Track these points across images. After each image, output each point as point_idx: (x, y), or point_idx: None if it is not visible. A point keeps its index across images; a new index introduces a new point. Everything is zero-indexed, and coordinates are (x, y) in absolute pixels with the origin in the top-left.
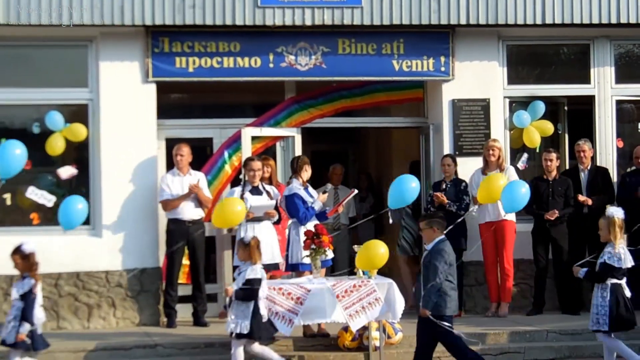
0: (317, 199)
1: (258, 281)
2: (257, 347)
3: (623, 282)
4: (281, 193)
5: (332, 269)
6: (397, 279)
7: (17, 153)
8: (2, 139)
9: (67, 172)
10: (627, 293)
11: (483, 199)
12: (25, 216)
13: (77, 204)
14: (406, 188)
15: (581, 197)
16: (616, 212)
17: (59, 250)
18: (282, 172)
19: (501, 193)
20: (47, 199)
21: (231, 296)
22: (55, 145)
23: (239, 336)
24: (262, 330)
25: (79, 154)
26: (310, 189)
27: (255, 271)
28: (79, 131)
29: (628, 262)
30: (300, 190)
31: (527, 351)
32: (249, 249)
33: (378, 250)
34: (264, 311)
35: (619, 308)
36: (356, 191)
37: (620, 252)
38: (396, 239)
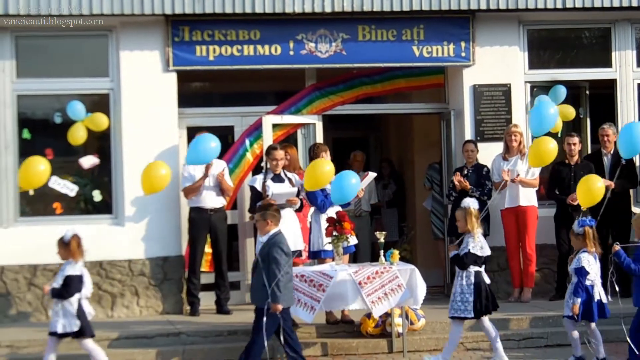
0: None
1: (78, 278)
2: (90, 344)
3: (483, 269)
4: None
5: (355, 256)
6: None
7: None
8: (24, 130)
9: (89, 161)
10: (487, 280)
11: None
12: (48, 206)
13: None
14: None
15: (604, 181)
16: (472, 203)
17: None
18: (303, 160)
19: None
20: (69, 188)
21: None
22: (77, 135)
23: (65, 335)
24: (89, 327)
25: (101, 143)
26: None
27: (75, 268)
28: (100, 121)
29: (487, 250)
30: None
31: (550, 336)
32: (69, 248)
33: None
34: (88, 308)
35: (482, 295)
36: (371, 174)
37: (481, 240)
38: (418, 225)
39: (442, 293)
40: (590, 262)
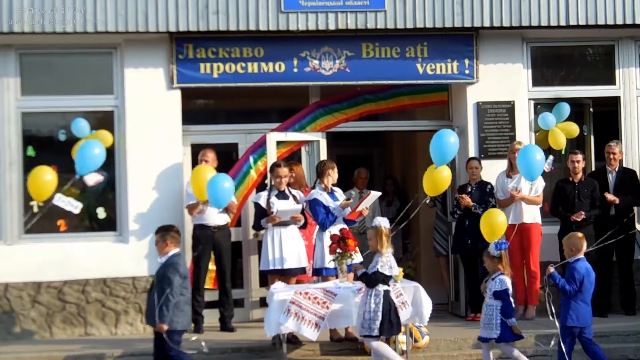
0: (338, 204)
1: None
2: None
3: (391, 288)
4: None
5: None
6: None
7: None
8: (29, 147)
9: (93, 178)
10: (396, 300)
11: None
12: (53, 223)
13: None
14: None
15: (609, 196)
16: (383, 222)
17: (85, 257)
18: (308, 177)
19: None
20: (73, 205)
21: None
22: None
23: None
24: None
25: (105, 160)
26: (339, 193)
27: None
28: (104, 138)
29: (396, 270)
30: (321, 195)
31: (555, 354)
32: None
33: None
34: None
35: (390, 313)
36: (375, 193)
37: (390, 260)
38: (422, 242)
39: (446, 310)
40: (509, 283)
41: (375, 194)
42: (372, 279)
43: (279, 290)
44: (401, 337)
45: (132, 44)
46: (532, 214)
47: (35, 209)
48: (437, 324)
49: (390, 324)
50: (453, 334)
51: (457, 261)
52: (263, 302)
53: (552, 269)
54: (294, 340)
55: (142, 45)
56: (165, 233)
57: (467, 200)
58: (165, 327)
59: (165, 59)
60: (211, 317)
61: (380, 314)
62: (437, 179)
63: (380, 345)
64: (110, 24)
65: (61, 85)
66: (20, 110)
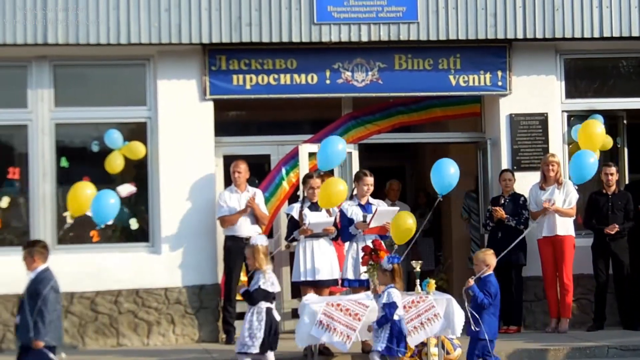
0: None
1: None
2: None
3: (274, 305)
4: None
5: None
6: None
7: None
8: (62, 158)
9: (126, 190)
10: (277, 317)
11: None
12: (86, 234)
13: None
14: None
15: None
16: (259, 240)
17: (118, 267)
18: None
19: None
20: None
21: None
22: (115, 163)
23: None
24: None
25: (138, 171)
26: (375, 205)
27: None
28: (137, 149)
29: (277, 287)
30: (350, 207)
31: None
32: None
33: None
34: None
35: (271, 331)
36: (381, 209)
37: (272, 277)
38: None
39: None
40: (399, 297)
41: (387, 210)
42: (254, 297)
43: (311, 302)
44: (433, 350)
45: (165, 55)
46: (565, 226)
47: (69, 220)
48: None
49: (269, 342)
50: None
51: None
52: (295, 314)
53: (472, 282)
54: (325, 352)
55: (175, 56)
56: (32, 249)
57: (500, 212)
58: (41, 343)
59: (198, 71)
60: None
61: (262, 332)
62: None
63: None
64: (144, 36)
65: (94, 97)
66: (54, 121)
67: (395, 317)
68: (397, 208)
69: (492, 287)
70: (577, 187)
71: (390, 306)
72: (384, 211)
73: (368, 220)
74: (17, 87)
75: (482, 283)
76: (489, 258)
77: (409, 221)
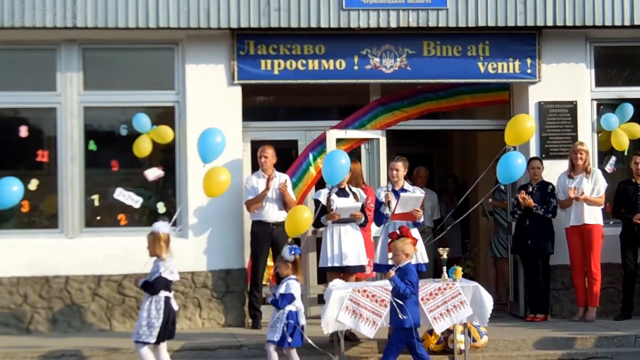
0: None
1: None
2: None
3: (172, 294)
4: (368, 195)
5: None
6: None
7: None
8: (90, 141)
9: (153, 173)
10: (175, 306)
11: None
12: (113, 217)
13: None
14: None
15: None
16: (161, 228)
17: (145, 251)
18: (367, 175)
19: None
20: (134, 200)
21: None
22: (142, 147)
23: None
24: None
25: (166, 155)
26: (410, 190)
27: None
28: (165, 133)
29: (176, 275)
30: (383, 192)
31: (615, 356)
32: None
33: (302, 216)
34: None
35: (169, 320)
36: (404, 195)
37: (171, 264)
38: (481, 242)
39: (505, 310)
40: (298, 288)
41: (409, 196)
42: (155, 286)
43: (338, 288)
44: (459, 337)
45: (194, 40)
46: (593, 215)
47: (96, 203)
48: (496, 324)
49: (166, 331)
50: (512, 335)
51: (516, 261)
52: (321, 299)
53: (392, 273)
54: (351, 338)
55: (204, 41)
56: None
57: (528, 200)
58: None
59: (226, 55)
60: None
61: (160, 321)
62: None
63: (148, 354)
64: (173, 20)
65: (123, 80)
66: (82, 104)
67: (292, 309)
68: (422, 195)
69: (413, 276)
70: (613, 167)
71: (285, 297)
72: (407, 197)
73: (392, 206)
74: (46, 71)
75: (403, 272)
76: (408, 247)
77: (305, 215)
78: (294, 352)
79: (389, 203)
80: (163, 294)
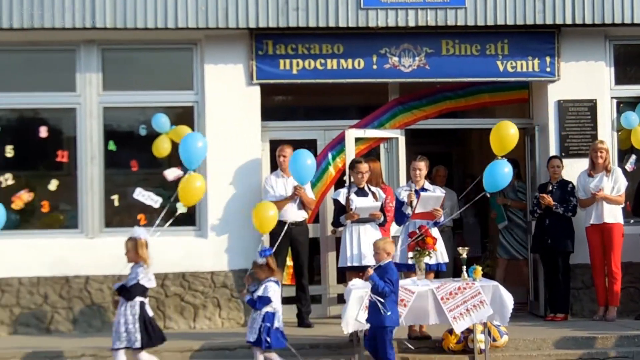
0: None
1: None
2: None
3: (147, 300)
4: (387, 195)
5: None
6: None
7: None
8: (110, 141)
9: (173, 173)
10: (150, 312)
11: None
12: (133, 217)
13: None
14: None
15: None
16: (141, 233)
17: (165, 251)
18: (386, 174)
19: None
20: (153, 200)
21: None
22: (162, 147)
23: None
24: None
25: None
26: (431, 189)
27: None
28: (184, 133)
29: (153, 282)
30: (403, 191)
31: (636, 356)
32: None
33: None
34: None
35: (148, 325)
36: (425, 195)
37: (149, 271)
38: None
39: (525, 310)
40: (276, 291)
41: (430, 196)
42: (132, 292)
43: (357, 287)
44: (479, 336)
45: (212, 40)
46: (613, 214)
47: (116, 203)
48: (516, 324)
49: (149, 336)
50: (532, 334)
51: (536, 260)
52: (341, 299)
53: (371, 271)
54: None
55: (222, 41)
56: None
57: (548, 199)
58: None
59: (245, 55)
60: (289, 312)
61: (137, 326)
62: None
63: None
64: (191, 20)
65: (142, 81)
66: (102, 105)
67: (270, 310)
68: (442, 194)
69: (393, 275)
70: (633, 165)
71: (262, 299)
72: (427, 197)
73: (413, 205)
74: (65, 71)
75: (384, 271)
76: (389, 246)
77: (270, 212)
78: (274, 355)
79: (411, 203)
80: (138, 299)
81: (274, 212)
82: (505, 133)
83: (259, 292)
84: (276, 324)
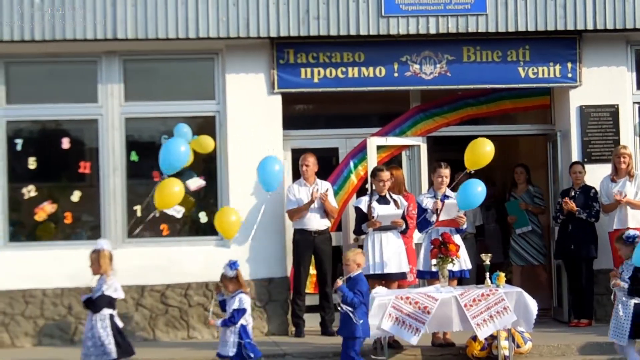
0: (431, 210)
1: None
2: None
3: (116, 312)
4: (409, 202)
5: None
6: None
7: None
8: (132, 152)
9: (195, 183)
10: (120, 324)
11: None
12: (156, 227)
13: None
14: None
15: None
16: (105, 245)
17: (188, 261)
18: (408, 181)
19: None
20: (176, 210)
21: None
22: None
23: None
24: None
25: (207, 165)
26: (451, 195)
27: None
28: (206, 143)
29: (121, 293)
30: (426, 198)
31: None
32: None
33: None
34: None
35: (118, 336)
36: (451, 201)
37: (114, 282)
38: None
39: (548, 316)
40: (249, 302)
41: (454, 202)
42: (97, 303)
43: (380, 295)
44: (503, 343)
45: (234, 49)
46: (637, 219)
47: (139, 214)
48: (539, 330)
49: (121, 347)
50: (556, 340)
51: (559, 266)
52: None
53: (340, 282)
54: (395, 345)
55: (243, 50)
56: None
57: (571, 204)
58: None
59: (266, 64)
60: (312, 321)
61: (111, 338)
62: None
63: None
64: (212, 30)
65: (164, 91)
66: (124, 115)
67: (243, 322)
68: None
69: (363, 286)
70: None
71: (239, 312)
72: (452, 204)
73: (438, 212)
74: (87, 82)
75: (354, 282)
76: (359, 257)
77: (232, 218)
78: None
79: (436, 210)
80: (107, 311)
81: (236, 217)
82: (482, 152)
83: (235, 305)
84: (250, 337)
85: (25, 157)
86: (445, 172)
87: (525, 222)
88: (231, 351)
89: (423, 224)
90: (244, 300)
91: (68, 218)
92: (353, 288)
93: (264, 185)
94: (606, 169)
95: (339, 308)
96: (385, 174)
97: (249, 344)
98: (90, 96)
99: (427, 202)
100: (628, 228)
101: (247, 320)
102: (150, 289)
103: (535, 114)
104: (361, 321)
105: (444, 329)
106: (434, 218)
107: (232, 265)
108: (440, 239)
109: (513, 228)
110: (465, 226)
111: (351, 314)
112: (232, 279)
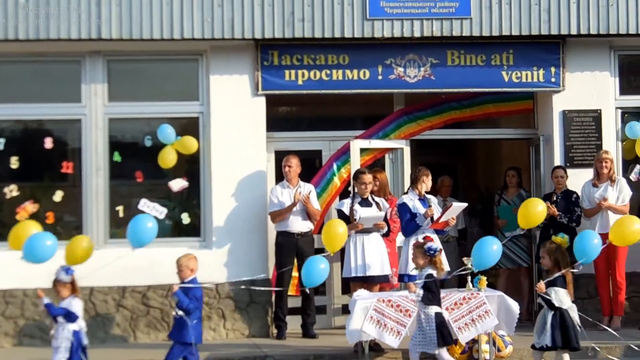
0: (420, 213)
1: None
2: None
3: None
4: (392, 205)
5: (442, 281)
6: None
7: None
8: (115, 152)
9: (178, 184)
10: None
11: None
12: None
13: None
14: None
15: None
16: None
17: (169, 262)
18: (392, 184)
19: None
20: (158, 211)
21: None
22: (167, 158)
23: None
24: None
25: (190, 166)
26: (433, 201)
27: None
28: (190, 144)
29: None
30: (410, 201)
31: None
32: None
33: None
34: None
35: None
36: (456, 204)
37: (78, 303)
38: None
39: (529, 320)
40: (82, 308)
41: (459, 205)
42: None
43: (362, 298)
44: (484, 347)
45: (218, 50)
46: None
47: (121, 214)
48: (521, 333)
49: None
50: None
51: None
52: (345, 309)
53: (176, 288)
54: (376, 348)
55: (228, 52)
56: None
57: (552, 209)
58: None
59: (250, 66)
60: (294, 323)
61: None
62: None
63: None
64: (197, 31)
65: (147, 92)
66: (107, 116)
67: (76, 328)
68: (465, 204)
69: (197, 291)
70: (638, 176)
71: (71, 316)
72: (457, 207)
73: (440, 214)
74: (71, 82)
75: (185, 288)
76: (192, 263)
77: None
78: None
79: (432, 217)
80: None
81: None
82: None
83: (68, 308)
84: (85, 342)
85: (8, 156)
86: (429, 177)
87: (516, 225)
88: (63, 357)
89: (412, 228)
90: (78, 304)
91: (50, 218)
92: (188, 293)
93: (134, 241)
94: (588, 173)
95: (174, 313)
96: (368, 177)
97: (85, 350)
98: (74, 96)
99: (415, 204)
100: (609, 233)
101: (80, 325)
102: (131, 290)
103: (518, 118)
104: (194, 323)
105: None
106: (426, 222)
107: (67, 270)
108: (422, 242)
109: (501, 232)
110: (448, 228)
111: (187, 319)
112: (67, 284)
